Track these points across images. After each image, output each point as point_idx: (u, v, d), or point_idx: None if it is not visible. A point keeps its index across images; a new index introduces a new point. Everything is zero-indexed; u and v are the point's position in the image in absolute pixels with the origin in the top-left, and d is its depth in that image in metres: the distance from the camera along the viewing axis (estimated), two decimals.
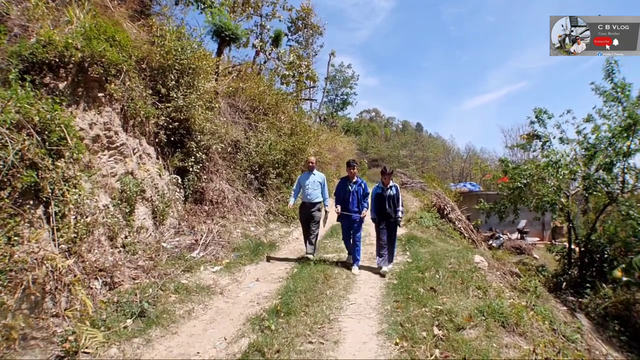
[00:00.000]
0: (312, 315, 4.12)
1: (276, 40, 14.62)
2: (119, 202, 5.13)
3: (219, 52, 9.56)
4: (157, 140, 6.67)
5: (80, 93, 4.77)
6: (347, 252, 6.46)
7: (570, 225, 10.07)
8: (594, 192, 9.29)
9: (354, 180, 6.14)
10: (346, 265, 6.19)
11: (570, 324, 5.80)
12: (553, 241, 16.77)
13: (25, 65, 4.18)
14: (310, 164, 6.53)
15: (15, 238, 3.17)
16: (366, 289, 5.18)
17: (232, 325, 4.05)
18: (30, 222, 3.47)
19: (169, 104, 6.75)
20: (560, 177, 9.37)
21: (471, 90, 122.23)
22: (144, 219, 5.72)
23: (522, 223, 16.64)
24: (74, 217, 3.99)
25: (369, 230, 8.11)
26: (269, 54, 14.81)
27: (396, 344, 3.54)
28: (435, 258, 6.43)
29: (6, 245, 3.02)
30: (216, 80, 9.06)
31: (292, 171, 10.81)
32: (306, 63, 16.09)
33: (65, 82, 4.54)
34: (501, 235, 15.91)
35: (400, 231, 8.46)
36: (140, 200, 5.69)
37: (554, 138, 10.19)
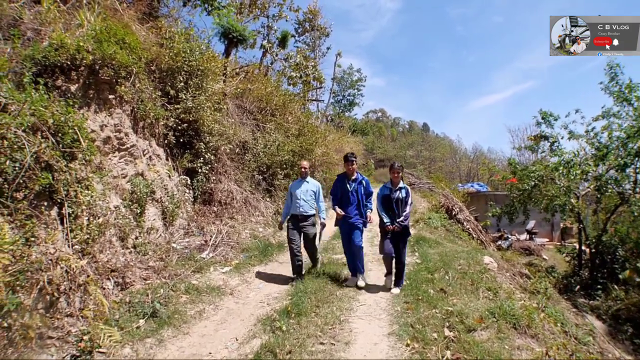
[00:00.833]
0: (322, 316, 4.13)
1: (283, 41, 14.65)
2: (130, 203, 5.19)
3: (227, 54, 9.62)
4: (166, 141, 6.73)
5: (91, 95, 4.84)
6: None
7: (581, 226, 9.96)
8: (606, 193, 9.17)
9: (353, 178, 5.24)
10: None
11: (582, 326, 5.74)
12: (562, 242, 16.60)
13: (38, 69, 4.24)
14: (303, 170, 5.62)
15: (32, 239, 3.22)
16: (375, 290, 5.16)
17: (243, 326, 4.07)
18: (45, 223, 3.53)
19: (178, 106, 6.80)
20: (572, 177, 9.25)
21: (477, 90, 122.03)
22: (154, 219, 5.77)
23: (530, 224, 16.48)
24: (86, 218, 4.05)
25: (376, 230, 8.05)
26: (276, 55, 14.85)
27: (407, 345, 3.53)
28: (444, 259, 6.40)
29: (24, 246, 3.07)
30: (224, 81, 9.10)
31: (299, 172, 10.78)
32: (313, 64, 16.08)
33: (77, 85, 4.60)
34: (510, 236, 15.77)
35: None
36: (151, 201, 5.74)
37: (562, 138, 10.12)
